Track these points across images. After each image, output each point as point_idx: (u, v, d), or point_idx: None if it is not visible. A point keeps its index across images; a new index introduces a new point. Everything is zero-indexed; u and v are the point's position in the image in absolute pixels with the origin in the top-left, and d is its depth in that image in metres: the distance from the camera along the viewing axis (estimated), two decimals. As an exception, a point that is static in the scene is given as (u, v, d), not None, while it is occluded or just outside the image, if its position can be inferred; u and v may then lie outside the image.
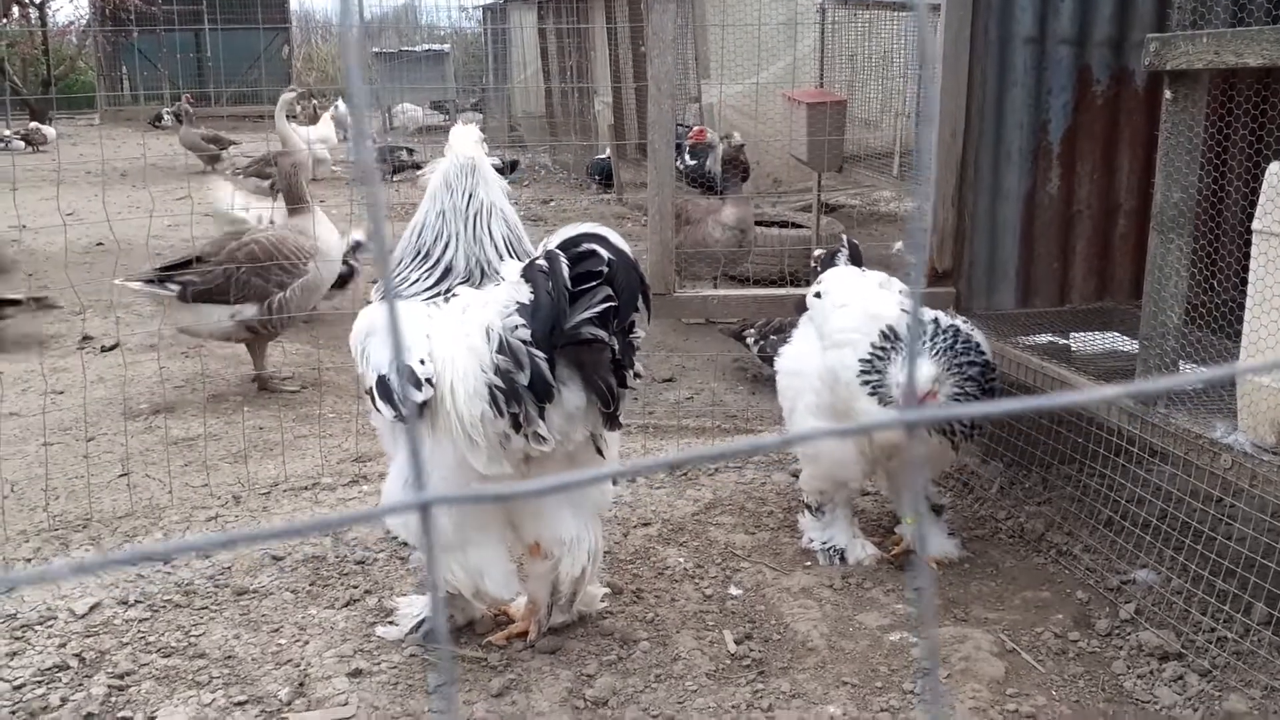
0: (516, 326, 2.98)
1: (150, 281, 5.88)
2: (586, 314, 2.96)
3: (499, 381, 3.00)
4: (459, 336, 3.09)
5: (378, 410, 3.20)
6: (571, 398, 3.06)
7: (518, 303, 3.00)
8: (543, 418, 3.03)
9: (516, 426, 3.02)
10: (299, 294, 6.07)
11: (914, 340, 0.73)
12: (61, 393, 6.03)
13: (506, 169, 11.67)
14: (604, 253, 2.99)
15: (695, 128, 9.44)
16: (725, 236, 7.55)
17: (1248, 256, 3.24)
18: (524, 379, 2.98)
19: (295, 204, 6.40)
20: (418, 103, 18.99)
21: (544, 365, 2.97)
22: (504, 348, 2.99)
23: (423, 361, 3.08)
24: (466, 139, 3.55)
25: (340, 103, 20.52)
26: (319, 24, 33.94)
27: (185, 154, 16.06)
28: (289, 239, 6.12)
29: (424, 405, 3.08)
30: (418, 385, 3.04)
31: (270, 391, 6.22)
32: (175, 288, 5.81)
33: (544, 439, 3.04)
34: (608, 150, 13.12)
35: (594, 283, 2.98)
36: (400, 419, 3.12)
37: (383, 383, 3.14)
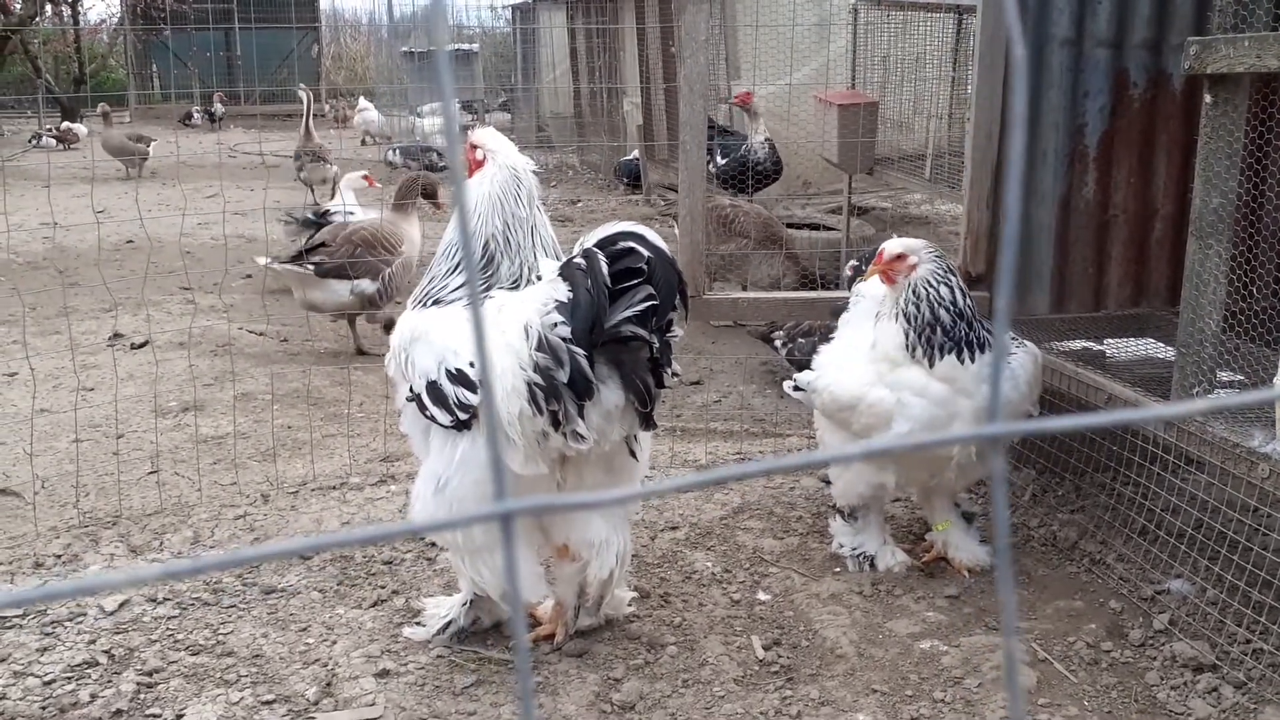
0: (556, 324, 2.97)
1: (292, 260, 7.02)
2: (627, 312, 2.95)
3: (538, 379, 2.99)
4: (496, 335, 3.08)
5: (427, 416, 3.18)
6: (610, 396, 3.05)
7: (556, 301, 3.00)
8: (582, 416, 3.02)
9: (555, 424, 3.02)
10: (400, 271, 7.17)
11: (999, 361, 0.71)
12: (92, 390, 6.05)
13: None
14: (644, 251, 2.99)
15: (742, 90, 9.39)
16: (773, 274, 7.55)
17: (1288, 264, 3.20)
18: (563, 376, 2.97)
19: (402, 202, 7.51)
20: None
21: (584, 363, 2.96)
22: (543, 345, 2.98)
23: (473, 364, 3.07)
24: (505, 143, 3.52)
25: (361, 100, 20.55)
26: (348, 23, 34.05)
27: (108, 160, 15.14)
28: (385, 227, 7.27)
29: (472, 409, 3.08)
30: (472, 388, 3.04)
31: (366, 355, 7.16)
32: (311, 266, 6.93)
33: (582, 437, 3.03)
34: (635, 151, 13.09)
35: (635, 281, 2.97)
36: (458, 425, 3.11)
37: (434, 388, 3.13)
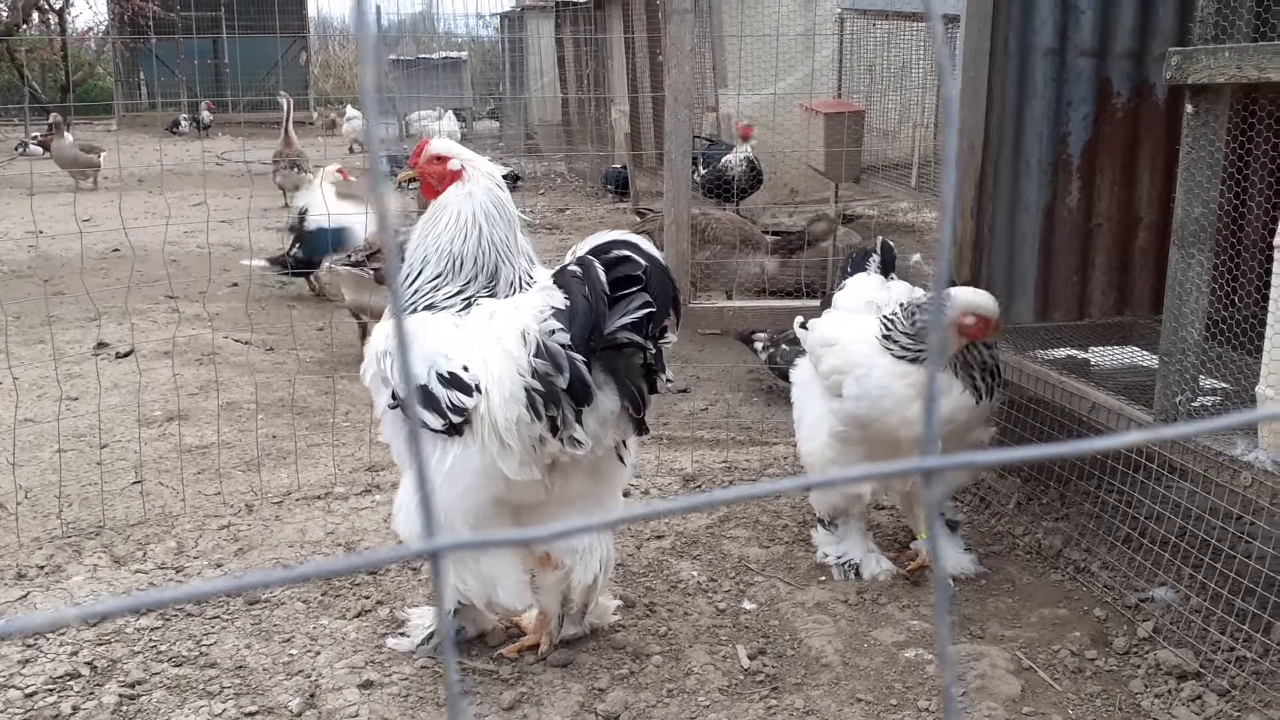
0: (554, 330, 3.01)
1: (356, 265, 7.08)
2: (624, 320, 3.00)
3: (537, 385, 3.02)
4: (491, 341, 3.10)
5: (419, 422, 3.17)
6: (606, 402, 3.09)
7: (553, 308, 3.03)
8: (579, 422, 3.05)
9: (553, 430, 3.04)
10: None
11: (934, 372, 0.71)
12: (76, 399, 6.03)
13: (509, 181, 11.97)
14: (639, 259, 3.04)
15: (743, 124, 9.41)
16: (755, 274, 7.57)
17: (1268, 272, 3.21)
18: (563, 382, 3.00)
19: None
20: (431, 108, 18.83)
21: (584, 369, 3.00)
22: (541, 351, 3.01)
23: (466, 368, 3.08)
24: (473, 153, 3.52)
25: (350, 109, 20.56)
26: (336, 31, 34.08)
27: (59, 172, 15.07)
28: None
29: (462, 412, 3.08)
30: (466, 391, 3.05)
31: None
32: (371, 271, 6.98)
33: (579, 443, 3.06)
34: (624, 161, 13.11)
35: (632, 289, 3.00)
36: (450, 430, 3.11)
37: (424, 392, 3.13)
